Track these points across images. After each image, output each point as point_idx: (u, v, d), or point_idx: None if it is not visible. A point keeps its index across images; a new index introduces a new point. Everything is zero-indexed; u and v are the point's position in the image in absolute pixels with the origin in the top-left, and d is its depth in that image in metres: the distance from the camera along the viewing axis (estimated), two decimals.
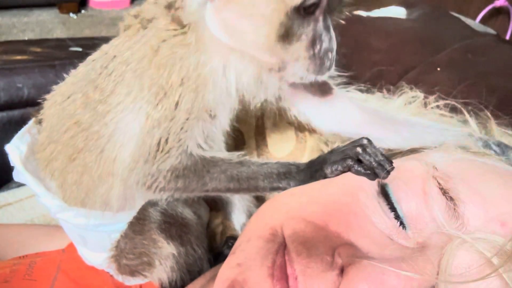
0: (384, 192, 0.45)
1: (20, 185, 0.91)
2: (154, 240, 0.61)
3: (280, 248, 0.43)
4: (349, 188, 0.46)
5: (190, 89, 0.52)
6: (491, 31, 1.20)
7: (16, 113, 1.02)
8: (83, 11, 3.55)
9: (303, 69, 0.53)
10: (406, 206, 0.44)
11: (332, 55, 0.52)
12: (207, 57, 0.53)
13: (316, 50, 0.51)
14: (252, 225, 0.50)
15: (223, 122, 0.57)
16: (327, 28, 0.51)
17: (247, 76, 0.54)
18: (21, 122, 0.68)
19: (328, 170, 0.51)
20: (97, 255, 0.66)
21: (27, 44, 1.27)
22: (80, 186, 0.60)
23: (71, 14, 3.41)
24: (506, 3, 1.52)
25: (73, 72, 0.63)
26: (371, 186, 0.46)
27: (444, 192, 0.42)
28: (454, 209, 0.41)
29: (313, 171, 0.53)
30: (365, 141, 0.50)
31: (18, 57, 1.10)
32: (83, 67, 0.61)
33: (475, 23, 1.22)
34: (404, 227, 0.43)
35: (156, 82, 0.52)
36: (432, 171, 0.45)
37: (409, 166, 0.48)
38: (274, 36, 0.49)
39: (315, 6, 0.48)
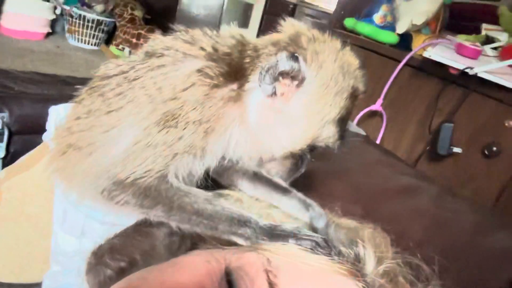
0: (229, 281, 0.46)
1: None
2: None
3: None
4: (197, 276, 0.47)
5: (201, 129, 0.57)
6: (362, 132, 1.41)
7: None
8: None
9: (279, 172, 0.68)
10: None
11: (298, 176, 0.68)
12: (230, 114, 0.59)
13: (296, 169, 0.67)
14: None
15: (209, 164, 0.62)
16: (307, 164, 0.67)
17: (244, 150, 0.63)
18: None
19: (292, 241, 0.54)
20: (69, 239, 0.69)
21: None
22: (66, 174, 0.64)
23: None
24: (380, 108, 1.80)
25: (91, 82, 0.65)
26: (217, 274, 0.47)
27: (272, 287, 0.44)
28: None
29: (275, 234, 0.55)
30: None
31: None
32: (99, 81, 0.63)
33: (350, 124, 1.43)
34: None
35: (171, 111, 0.55)
36: (266, 264, 0.47)
37: (248, 256, 0.50)
38: (287, 152, 0.62)
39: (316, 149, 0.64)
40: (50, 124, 0.78)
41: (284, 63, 0.55)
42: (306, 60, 0.57)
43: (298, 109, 0.59)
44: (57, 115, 0.78)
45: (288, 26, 0.62)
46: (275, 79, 0.56)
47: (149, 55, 0.60)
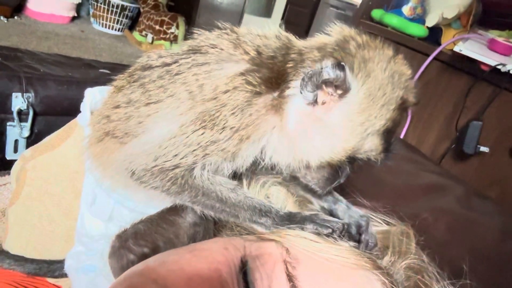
0: (244, 270, 0.46)
1: None
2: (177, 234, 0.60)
3: None
4: (214, 263, 0.46)
5: (237, 136, 0.56)
6: None
7: None
8: (16, 17, 3.39)
9: (315, 179, 0.62)
10: None
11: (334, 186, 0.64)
12: (269, 123, 0.57)
13: (334, 179, 0.61)
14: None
15: (237, 167, 0.61)
16: (347, 174, 0.62)
17: (281, 157, 0.60)
18: None
19: (309, 226, 0.55)
20: (96, 222, 0.69)
21: None
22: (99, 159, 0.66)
23: (2, 18, 3.24)
24: None
25: (130, 70, 0.66)
26: (235, 262, 0.47)
27: (290, 279, 0.44)
28: None
29: (293, 221, 0.56)
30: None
31: None
32: (141, 71, 0.63)
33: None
34: None
35: (209, 111, 0.55)
36: (284, 255, 0.47)
37: (267, 246, 0.49)
38: (325, 161, 0.57)
39: (357, 160, 0.59)
40: (85, 106, 0.78)
41: (328, 71, 0.51)
42: (353, 69, 0.53)
43: (339, 119, 0.55)
44: (93, 97, 0.78)
45: (337, 30, 0.58)
46: (318, 87, 0.53)
47: (193, 51, 0.59)
